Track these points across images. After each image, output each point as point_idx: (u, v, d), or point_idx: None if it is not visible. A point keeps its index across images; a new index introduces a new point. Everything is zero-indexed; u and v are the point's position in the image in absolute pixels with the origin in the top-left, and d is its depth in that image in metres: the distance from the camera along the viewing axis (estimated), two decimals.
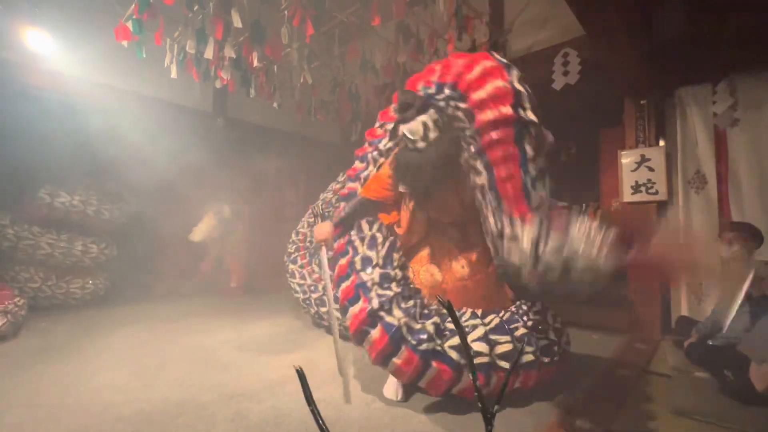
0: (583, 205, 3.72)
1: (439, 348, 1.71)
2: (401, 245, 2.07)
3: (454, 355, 1.70)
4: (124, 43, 3.19)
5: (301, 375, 0.70)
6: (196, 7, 3.16)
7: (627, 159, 3.26)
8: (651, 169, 3.15)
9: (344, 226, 2.10)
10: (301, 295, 3.20)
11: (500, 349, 1.73)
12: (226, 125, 5.11)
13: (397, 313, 1.79)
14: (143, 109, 4.35)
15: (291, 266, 3.33)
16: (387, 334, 1.73)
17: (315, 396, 1.92)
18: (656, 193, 3.13)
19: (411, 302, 1.85)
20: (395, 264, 1.97)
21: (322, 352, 2.62)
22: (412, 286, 1.97)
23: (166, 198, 4.63)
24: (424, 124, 1.76)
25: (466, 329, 1.78)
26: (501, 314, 1.89)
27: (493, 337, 1.76)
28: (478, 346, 1.73)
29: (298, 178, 6.41)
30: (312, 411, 0.71)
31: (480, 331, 1.77)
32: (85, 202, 3.95)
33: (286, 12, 3.29)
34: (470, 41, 3.77)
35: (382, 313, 1.78)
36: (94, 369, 2.23)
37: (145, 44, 3.33)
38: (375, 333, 1.77)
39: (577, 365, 2.29)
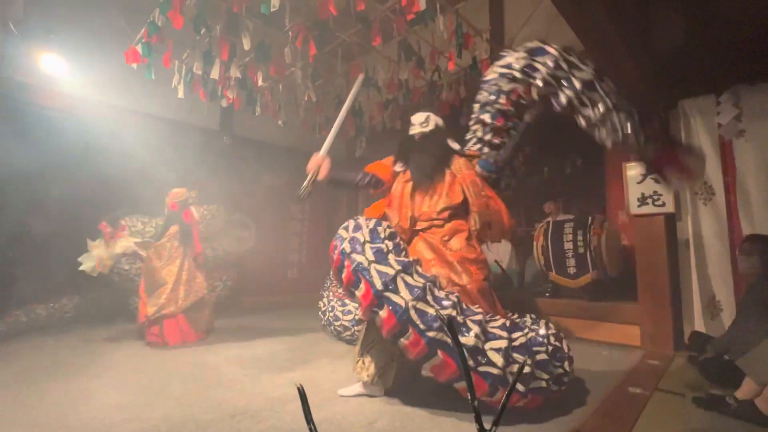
0: (590, 217, 3.68)
1: (448, 340, 1.66)
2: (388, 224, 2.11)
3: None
4: (134, 65, 3.30)
5: (302, 393, 0.69)
6: (203, 31, 3.26)
7: (632, 171, 3.23)
8: (657, 181, 3.11)
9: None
10: (323, 316, 3.69)
11: (516, 368, 1.68)
12: (233, 143, 5.21)
13: (404, 293, 1.75)
14: (152, 128, 4.45)
15: (323, 292, 3.90)
16: (395, 317, 1.72)
17: (316, 417, 1.88)
18: (663, 205, 3.09)
19: (420, 280, 1.80)
20: (382, 236, 1.93)
21: (325, 371, 2.58)
22: (413, 259, 1.94)
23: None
24: (427, 117, 2.27)
25: (490, 335, 1.74)
26: (526, 333, 1.84)
27: (514, 354, 1.72)
28: (495, 357, 1.67)
29: None
30: (310, 430, 0.69)
31: (502, 343, 1.71)
32: (146, 223, 4.06)
33: (289, 33, 3.38)
34: (471, 58, 3.83)
35: (387, 294, 1.75)
36: (96, 387, 2.22)
37: (154, 66, 3.45)
38: (383, 314, 1.76)
39: (586, 382, 2.23)
